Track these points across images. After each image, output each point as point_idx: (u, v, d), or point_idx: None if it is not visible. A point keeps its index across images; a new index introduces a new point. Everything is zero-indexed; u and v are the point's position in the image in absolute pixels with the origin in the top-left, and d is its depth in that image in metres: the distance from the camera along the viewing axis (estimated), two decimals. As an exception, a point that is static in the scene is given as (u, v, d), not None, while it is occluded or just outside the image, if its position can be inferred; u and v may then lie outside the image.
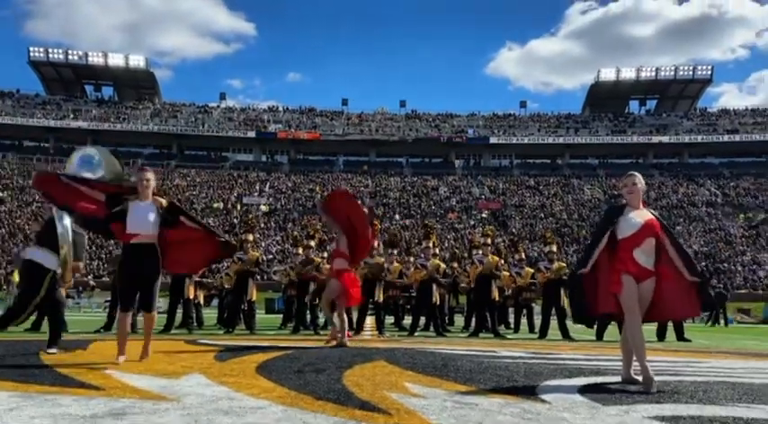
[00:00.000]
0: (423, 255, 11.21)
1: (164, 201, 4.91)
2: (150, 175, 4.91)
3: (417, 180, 54.50)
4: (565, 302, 10.68)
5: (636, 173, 4.23)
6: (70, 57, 58.49)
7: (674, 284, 3.96)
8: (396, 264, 11.40)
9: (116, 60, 58.63)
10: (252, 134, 58.03)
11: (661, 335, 10.16)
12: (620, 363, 4.28)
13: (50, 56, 58.07)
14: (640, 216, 4.05)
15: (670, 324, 10.34)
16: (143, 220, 4.74)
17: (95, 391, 3.31)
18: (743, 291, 35.38)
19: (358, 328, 10.23)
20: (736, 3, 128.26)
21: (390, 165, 57.72)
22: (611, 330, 10.16)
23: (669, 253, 4.01)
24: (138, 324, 9.92)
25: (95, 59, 58.44)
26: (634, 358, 3.99)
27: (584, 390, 3.69)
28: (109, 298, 11.91)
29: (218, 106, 62.44)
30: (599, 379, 4.22)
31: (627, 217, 4.06)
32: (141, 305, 4.82)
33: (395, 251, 12.72)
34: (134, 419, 2.59)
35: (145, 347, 4.89)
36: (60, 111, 57.64)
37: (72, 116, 57.17)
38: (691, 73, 59.35)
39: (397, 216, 46.70)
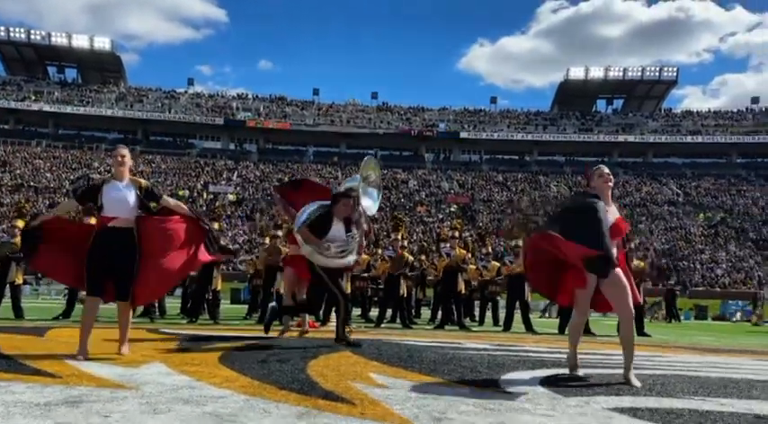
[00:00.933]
0: (391, 247, 11.22)
1: (143, 182, 4.50)
2: (125, 151, 4.49)
3: (387, 172, 54.47)
4: (529, 296, 10.83)
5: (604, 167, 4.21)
6: (33, 36, 56.62)
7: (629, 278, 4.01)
8: (364, 255, 11.38)
9: (80, 42, 56.98)
10: (220, 121, 57.09)
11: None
12: (580, 356, 4.35)
13: (11, 35, 56.09)
14: (612, 213, 4.00)
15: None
16: (122, 201, 4.31)
17: (51, 378, 3.23)
18: (700, 288, 36.39)
19: (324, 319, 10.19)
20: (703, 7, 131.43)
21: (361, 157, 56.92)
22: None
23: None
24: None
25: (59, 40, 56.72)
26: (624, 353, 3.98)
27: (545, 381, 3.74)
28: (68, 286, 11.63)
29: (186, 92, 61.25)
30: (560, 371, 4.28)
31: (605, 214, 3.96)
32: (117, 294, 4.35)
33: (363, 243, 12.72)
34: (90, 406, 2.53)
35: (122, 340, 4.47)
36: (21, 93, 55.84)
37: (33, 97, 55.46)
38: (657, 74, 60.55)
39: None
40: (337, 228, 5.58)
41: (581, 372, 4.09)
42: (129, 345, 4.53)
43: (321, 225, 5.57)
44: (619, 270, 3.86)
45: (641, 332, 10.23)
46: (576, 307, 4.05)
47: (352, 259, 5.78)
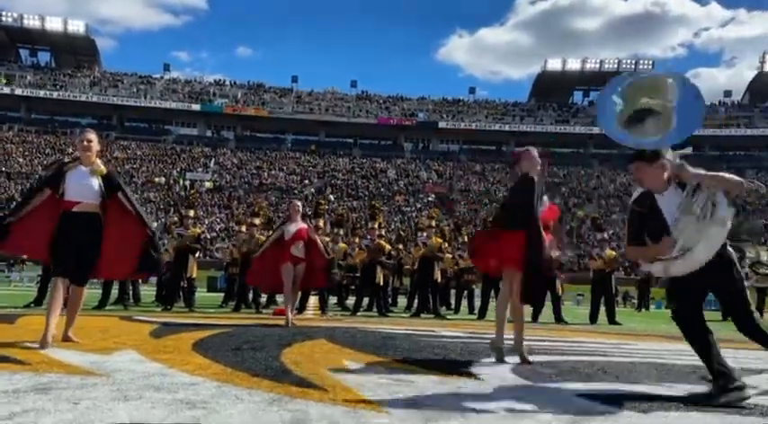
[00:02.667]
0: (368, 236, 11.24)
1: (102, 167, 4.40)
2: (93, 136, 4.42)
3: (366, 161, 54.43)
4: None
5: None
6: (4, 18, 55.18)
7: None
8: (341, 244, 11.38)
9: (54, 24, 55.67)
10: (197, 107, 56.38)
11: (593, 318, 10.54)
12: (552, 344, 4.42)
13: (-18, 16, 54.72)
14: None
15: (602, 309, 10.74)
16: (86, 186, 4.26)
17: (20, 365, 3.19)
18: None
19: (301, 307, 10.19)
20: (678, 2, 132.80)
21: (339, 146, 57.36)
22: (546, 312, 10.50)
23: None
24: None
25: (31, 22, 55.35)
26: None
27: (516, 369, 3.80)
28: (40, 273, 11.44)
29: (162, 77, 60.33)
30: (532, 358, 4.34)
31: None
32: (75, 278, 4.29)
33: (341, 232, 12.72)
34: (59, 393, 2.51)
35: (69, 323, 4.38)
36: (-8, 76, 54.54)
37: (5, 81, 54.14)
38: (633, 66, 61.18)
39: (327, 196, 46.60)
40: (667, 201, 3.15)
41: (531, 358, 4.16)
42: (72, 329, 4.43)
43: (645, 220, 3.19)
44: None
45: (612, 321, 10.42)
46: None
47: (714, 226, 2.99)
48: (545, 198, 4.31)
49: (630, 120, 3.25)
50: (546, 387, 3.16)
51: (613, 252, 11.22)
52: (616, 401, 2.83)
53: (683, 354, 5.32)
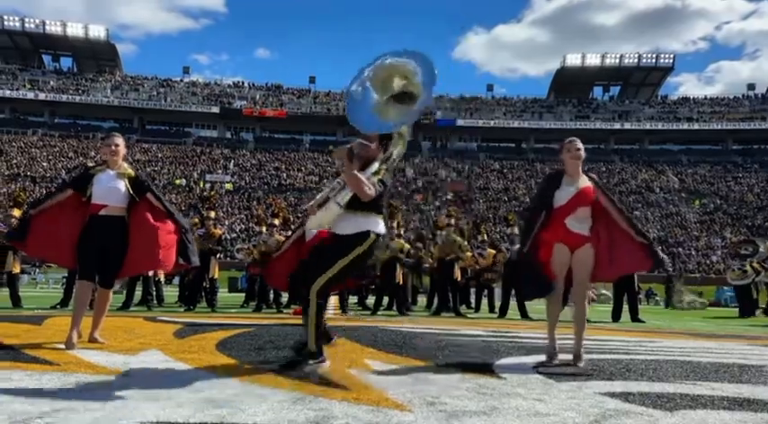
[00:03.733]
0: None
1: (131, 170, 4.46)
2: (120, 140, 4.47)
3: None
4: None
5: (578, 139, 4.20)
6: (27, 25, 56.21)
7: (621, 243, 4.03)
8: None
9: (75, 30, 56.56)
10: (216, 109, 56.92)
11: (616, 316, 10.44)
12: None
13: (6, 23, 55.68)
14: (575, 183, 4.07)
15: (625, 307, 10.64)
16: (112, 190, 4.30)
17: (48, 366, 3.25)
18: (696, 275, 36.57)
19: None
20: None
21: (357, 146, 57.29)
22: (568, 311, 10.41)
23: (613, 216, 4.07)
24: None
25: (53, 28, 56.28)
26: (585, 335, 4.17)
27: (539, 367, 3.79)
28: (66, 274, 11.65)
29: (182, 80, 60.96)
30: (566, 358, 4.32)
31: (562, 187, 4.07)
32: (101, 281, 4.34)
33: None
34: (88, 394, 2.56)
35: (95, 325, 4.41)
36: (17, 82, 55.53)
37: (29, 86, 55.14)
38: (654, 60, 60.45)
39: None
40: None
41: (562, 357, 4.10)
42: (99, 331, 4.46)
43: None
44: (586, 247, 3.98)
45: (635, 318, 10.31)
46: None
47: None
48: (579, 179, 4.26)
49: (387, 104, 3.37)
50: (569, 386, 3.14)
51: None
52: (640, 399, 2.81)
53: (709, 351, 5.26)
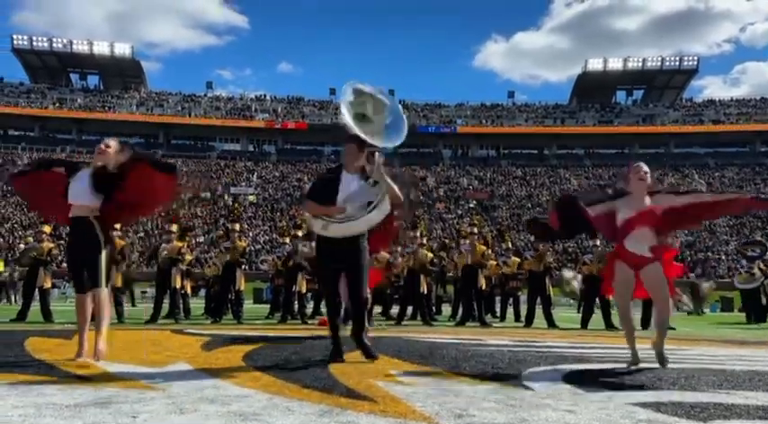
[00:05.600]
0: (410, 245, 11.23)
1: (98, 163, 4.10)
2: (112, 142, 4.19)
3: (405, 169, 54.46)
4: (550, 291, 10.78)
5: (644, 164, 4.39)
6: (55, 45, 57.57)
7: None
8: (382, 253, 11.39)
9: (101, 48, 57.73)
10: (239, 123, 57.63)
11: (645, 323, 10.26)
12: (603, 351, 4.34)
13: (34, 44, 57.11)
14: (638, 205, 4.19)
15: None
16: (79, 189, 4.06)
17: (80, 380, 3.30)
18: (726, 280, 35.79)
19: (346, 318, 10.23)
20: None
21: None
22: (596, 318, 10.27)
23: (701, 199, 4.40)
24: (123, 314, 9.88)
25: (80, 47, 57.56)
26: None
27: (567, 377, 3.73)
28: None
29: (205, 95, 61.87)
30: (583, 366, 4.26)
31: (625, 207, 4.21)
32: (89, 285, 4.14)
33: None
34: (119, 407, 2.59)
35: (96, 334, 4.09)
36: (45, 100, 56.88)
37: (57, 104, 56.45)
38: (677, 63, 59.64)
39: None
40: (350, 179, 4.24)
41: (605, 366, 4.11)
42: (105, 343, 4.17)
43: (326, 186, 4.26)
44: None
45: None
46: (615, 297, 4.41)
47: (378, 214, 4.14)
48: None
49: (357, 118, 4.28)
50: (600, 396, 3.09)
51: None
52: (673, 409, 2.76)
53: (742, 359, 5.14)
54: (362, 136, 4.14)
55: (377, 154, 4.28)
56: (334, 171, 4.33)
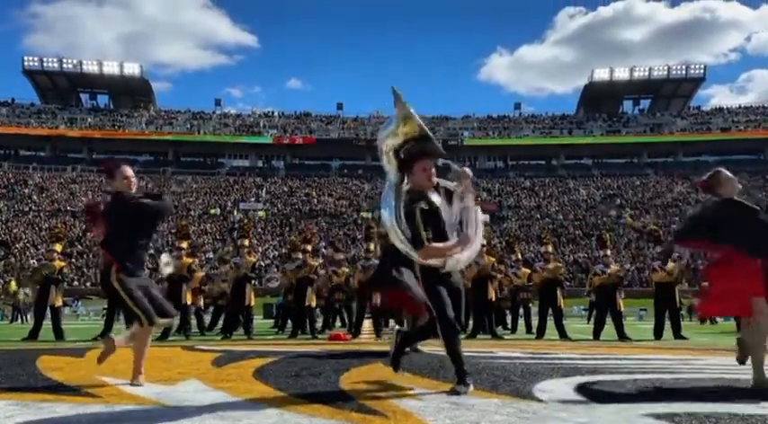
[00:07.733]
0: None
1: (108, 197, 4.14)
2: (129, 171, 4.20)
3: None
4: (561, 302, 10.70)
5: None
6: (65, 65, 58.34)
7: None
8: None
9: (111, 68, 58.44)
10: (248, 140, 58.03)
11: (658, 334, 10.17)
12: (616, 362, 4.29)
13: (45, 64, 57.94)
14: None
15: (667, 324, 10.35)
16: None
17: (92, 398, 3.31)
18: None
19: (356, 331, 10.22)
20: (728, 6, 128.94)
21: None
22: (608, 329, 10.18)
23: None
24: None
25: (90, 67, 58.28)
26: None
27: (580, 389, 3.70)
28: (106, 306, 11.88)
29: (214, 112, 62.37)
30: (595, 378, 4.23)
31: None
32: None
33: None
34: (130, 425, 2.59)
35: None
36: (56, 120, 57.54)
37: (68, 124, 57.08)
38: (684, 72, 59.57)
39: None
40: (438, 203, 3.81)
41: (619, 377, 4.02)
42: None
43: (431, 219, 3.59)
44: None
45: (678, 335, 10.02)
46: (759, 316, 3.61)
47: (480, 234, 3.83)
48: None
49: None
50: (613, 408, 3.06)
51: (673, 263, 10.76)
52: (687, 420, 2.72)
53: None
54: (439, 150, 3.90)
55: (466, 168, 4.06)
56: (415, 197, 3.69)
